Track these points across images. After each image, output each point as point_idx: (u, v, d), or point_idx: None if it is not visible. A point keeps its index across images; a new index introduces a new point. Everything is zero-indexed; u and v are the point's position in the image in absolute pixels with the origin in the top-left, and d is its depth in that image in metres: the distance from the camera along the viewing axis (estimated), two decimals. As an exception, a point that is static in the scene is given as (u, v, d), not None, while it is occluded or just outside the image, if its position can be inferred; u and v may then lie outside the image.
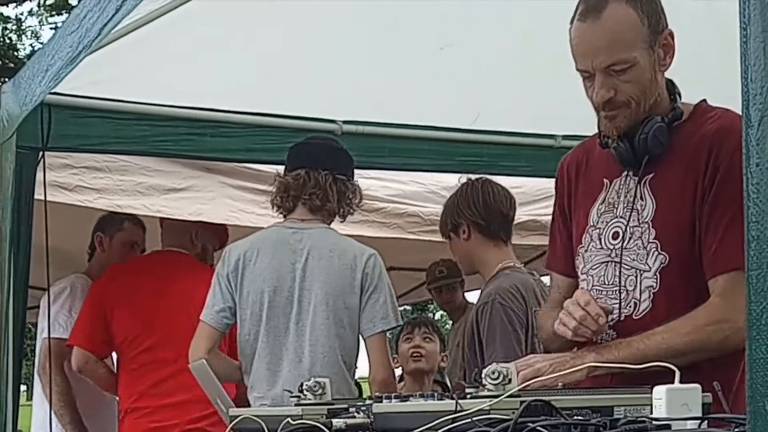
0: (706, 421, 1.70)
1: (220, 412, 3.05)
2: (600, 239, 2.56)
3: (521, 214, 5.40)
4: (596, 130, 2.60)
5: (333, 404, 2.37)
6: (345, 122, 4.46)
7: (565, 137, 4.67)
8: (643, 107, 2.45)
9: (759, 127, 1.11)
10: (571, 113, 4.07)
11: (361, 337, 3.80)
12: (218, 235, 4.75)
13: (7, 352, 3.75)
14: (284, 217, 3.83)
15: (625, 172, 2.55)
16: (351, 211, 3.86)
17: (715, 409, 1.91)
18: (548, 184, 4.23)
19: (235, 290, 3.71)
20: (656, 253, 2.46)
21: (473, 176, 4.05)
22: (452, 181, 5.33)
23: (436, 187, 5.23)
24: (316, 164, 3.76)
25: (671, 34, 2.45)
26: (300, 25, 3.88)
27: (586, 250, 2.60)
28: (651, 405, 1.77)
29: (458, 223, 3.91)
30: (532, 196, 5.30)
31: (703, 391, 1.79)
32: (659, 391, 1.73)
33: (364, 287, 3.72)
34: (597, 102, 2.45)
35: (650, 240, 2.47)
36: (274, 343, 3.70)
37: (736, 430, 1.64)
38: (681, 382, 1.80)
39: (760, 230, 1.12)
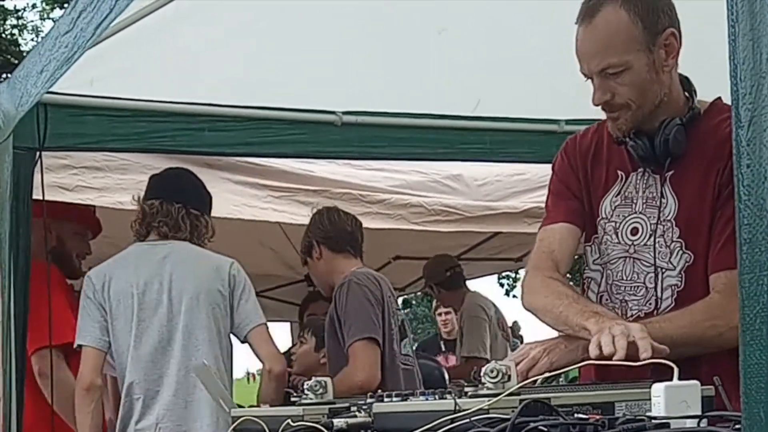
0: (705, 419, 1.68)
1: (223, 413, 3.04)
2: (617, 233, 2.53)
3: (525, 201, 5.38)
4: (600, 115, 2.56)
5: (334, 404, 2.35)
6: (344, 113, 4.42)
7: (569, 122, 4.59)
8: (646, 109, 2.43)
9: (749, 128, 1.08)
10: (574, 97, 4.01)
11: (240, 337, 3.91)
12: (83, 221, 4.52)
13: (10, 351, 3.74)
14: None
15: (642, 168, 2.51)
16: (203, 244, 4.00)
17: (716, 404, 1.89)
18: (552, 171, 4.19)
19: (105, 303, 3.81)
20: (681, 252, 2.44)
21: (322, 206, 4.41)
22: (455, 170, 5.32)
23: (439, 176, 5.20)
24: (171, 196, 3.94)
25: (674, 34, 2.40)
26: (296, 16, 3.84)
27: (601, 242, 2.56)
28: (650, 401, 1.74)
29: (310, 244, 4.26)
30: (536, 183, 5.24)
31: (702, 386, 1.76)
32: (658, 388, 1.70)
33: (233, 289, 3.88)
34: (595, 104, 2.46)
35: (674, 239, 2.45)
36: (148, 343, 3.80)
37: (737, 427, 1.62)
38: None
39: (752, 233, 1.08)
